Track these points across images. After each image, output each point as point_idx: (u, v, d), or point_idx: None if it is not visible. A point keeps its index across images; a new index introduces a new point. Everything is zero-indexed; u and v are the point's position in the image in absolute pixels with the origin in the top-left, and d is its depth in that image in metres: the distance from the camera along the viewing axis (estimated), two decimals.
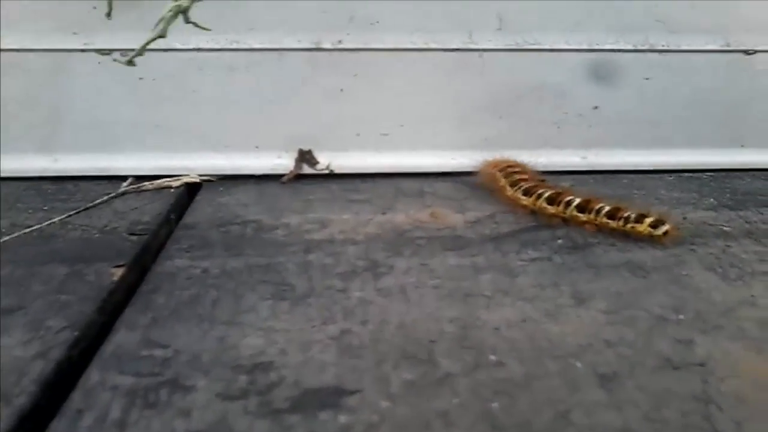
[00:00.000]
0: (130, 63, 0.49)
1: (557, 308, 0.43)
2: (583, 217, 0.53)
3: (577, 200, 0.53)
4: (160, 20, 0.48)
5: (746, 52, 0.62)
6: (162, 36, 0.48)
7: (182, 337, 0.40)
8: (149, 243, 0.52)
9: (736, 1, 0.60)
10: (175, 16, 0.47)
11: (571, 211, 0.53)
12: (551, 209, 0.54)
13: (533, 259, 0.49)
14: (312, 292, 0.45)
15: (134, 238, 0.53)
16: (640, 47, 0.61)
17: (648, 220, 0.51)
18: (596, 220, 0.52)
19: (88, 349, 0.39)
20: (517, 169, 0.58)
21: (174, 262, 0.49)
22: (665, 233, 0.50)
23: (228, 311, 0.42)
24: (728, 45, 0.61)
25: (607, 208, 0.52)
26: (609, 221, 0.52)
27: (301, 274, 0.47)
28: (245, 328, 0.41)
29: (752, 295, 0.44)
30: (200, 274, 0.47)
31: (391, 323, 0.41)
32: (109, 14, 0.56)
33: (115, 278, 0.47)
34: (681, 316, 0.42)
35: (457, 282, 0.46)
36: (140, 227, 0.54)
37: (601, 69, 0.61)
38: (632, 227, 0.51)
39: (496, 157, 0.60)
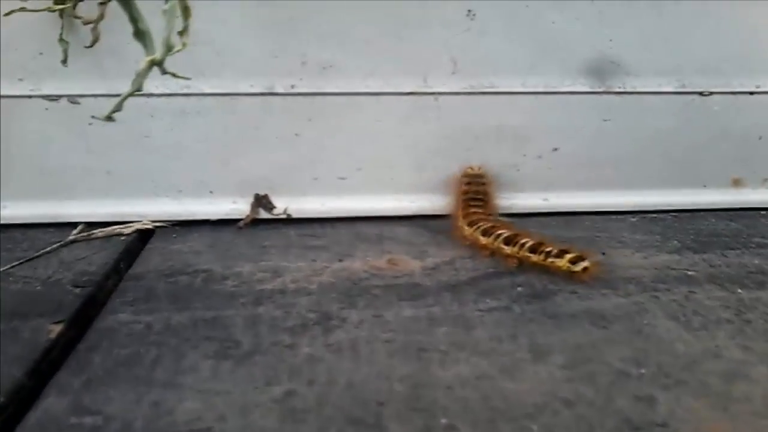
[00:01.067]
0: (109, 119, 0.47)
1: (514, 363, 0.41)
2: (507, 250, 0.53)
3: (505, 234, 0.53)
4: (136, 74, 0.46)
5: (701, 94, 0.61)
6: (139, 90, 0.47)
7: (116, 402, 0.37)
8: (93, 295, 0.50)
9: (688, 43, 0.60)
10: (149, 68, 0.46)
11: (498, 244, 0.53)
12: (484, 240, 0.55)
13: (491, 309, 0.47)
14: (258, 348, 0.42)
15: (78, 290, 0.50)
16: (597, 89, 0.60)
17: (568, 256, 0.50)
18: (518, 253, 0.52)
19: (13, 416, 0.37)
20: (479, 204, 0.59)
21: (117, 316, 0.47)
22: (584, 270, 0.50)
23: (167, 371, 0.40)
24: (684, 87, 0.61)
25: (530, 243, 0.52)
26: (530, 255, 0.51)
27: (248, 329, 0.45)
28: (184, 391, 0.38)
29: (716, 345, 0.43)
30: (142, 329, 0.45)
31: (339, 383, 0.39)
32: (65, 61, 0.55)
33: (52, 335, 0.44)
34: (642, 371, 0.40)
35: (412, 335, 0.44)
36: (85, 278, 0.52)
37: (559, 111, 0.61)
38: (552, 262, 0.51)
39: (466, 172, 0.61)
